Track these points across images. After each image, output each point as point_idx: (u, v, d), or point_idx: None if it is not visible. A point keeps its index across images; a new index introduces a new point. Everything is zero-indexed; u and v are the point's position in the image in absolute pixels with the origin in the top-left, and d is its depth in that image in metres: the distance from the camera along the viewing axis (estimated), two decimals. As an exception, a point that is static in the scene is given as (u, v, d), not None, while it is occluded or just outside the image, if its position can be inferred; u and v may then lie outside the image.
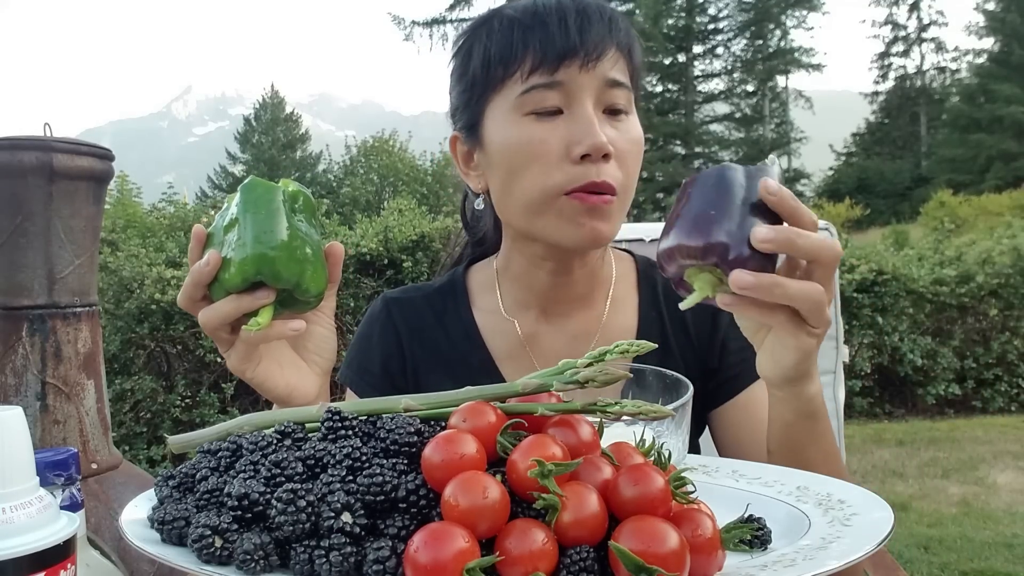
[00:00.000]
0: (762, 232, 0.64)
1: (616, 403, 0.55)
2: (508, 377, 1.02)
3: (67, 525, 0.48)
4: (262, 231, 0.75)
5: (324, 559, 0.47)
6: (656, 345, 0.58)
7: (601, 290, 1.05)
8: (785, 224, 0.67)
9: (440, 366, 1.05)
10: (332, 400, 0.74)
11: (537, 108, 0.90)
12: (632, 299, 1.06)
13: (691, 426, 1.04)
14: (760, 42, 35.02)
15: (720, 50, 35.26)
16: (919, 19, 39.79)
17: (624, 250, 1.13)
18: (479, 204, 1.05)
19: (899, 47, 40.21)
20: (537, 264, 1.00)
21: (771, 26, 34.57)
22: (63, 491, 0.57)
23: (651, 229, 1.65)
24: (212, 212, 7.07)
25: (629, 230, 1.63)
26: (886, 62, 40.55)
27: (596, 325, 1.04)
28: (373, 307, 1.10)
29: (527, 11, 0.91)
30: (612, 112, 0.92)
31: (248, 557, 0.47)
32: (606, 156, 0.88)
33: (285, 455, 0.53)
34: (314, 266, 0.78)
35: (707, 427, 1.07)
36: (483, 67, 0.93)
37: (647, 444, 0.58)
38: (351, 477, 0.51)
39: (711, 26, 34.79)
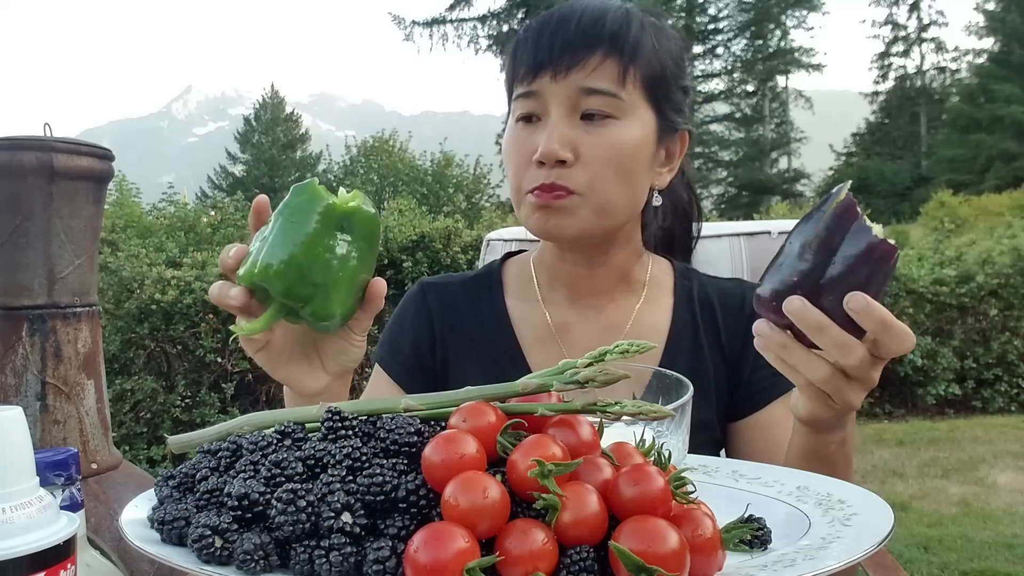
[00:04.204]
0: (858, 300, 0.65)
1: (616, 403, 0.55)
2: (534, 364, 1.06)
3: (67, 525, 0.48)
4: (280, 241, 0.71)
5: (324, 559, 0.47)
6: (655, 345, 0.59)
7: (631, 288, 1.09)
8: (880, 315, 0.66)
9: (469, 349, 1.09)
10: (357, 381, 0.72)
11: (520, 114, 1.00)
12: (667, 301, 1.10)
13: (718, 436, 1.02)
14: (760, 42, 34.99)
15: (720, 50, 35.22)
16: (919, 19, 39.80)
17: (663, 255, 1.16)
18: None
19: (899, 47, 40.23)
20: (560, 256, 1.07)
21: (771, 26, 34.55)
22: (63, 491, 0.57)
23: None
24: (212, 212, 7.06)
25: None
26: (886, 62, 40.56)
27: (627, 320, 1.07)
28: (410, 290, 1.15)
29: (532, 24, 1.00)
30: (589, 117, 0.97)
31: (248, 557, 0.47)
32: (563, 162, 0.95)
33: (285, 455, 0.53)
34: (330, 292, 0.72)
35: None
36: (505, 71, 1.05)
37: (647, 444, 0.58)
38: (351, 477, 0.50)
39: (711, 26, 34.73)
